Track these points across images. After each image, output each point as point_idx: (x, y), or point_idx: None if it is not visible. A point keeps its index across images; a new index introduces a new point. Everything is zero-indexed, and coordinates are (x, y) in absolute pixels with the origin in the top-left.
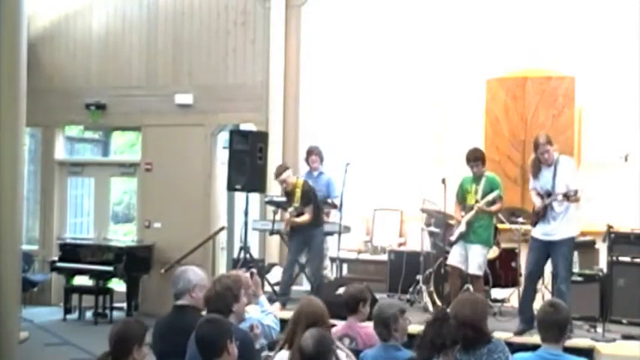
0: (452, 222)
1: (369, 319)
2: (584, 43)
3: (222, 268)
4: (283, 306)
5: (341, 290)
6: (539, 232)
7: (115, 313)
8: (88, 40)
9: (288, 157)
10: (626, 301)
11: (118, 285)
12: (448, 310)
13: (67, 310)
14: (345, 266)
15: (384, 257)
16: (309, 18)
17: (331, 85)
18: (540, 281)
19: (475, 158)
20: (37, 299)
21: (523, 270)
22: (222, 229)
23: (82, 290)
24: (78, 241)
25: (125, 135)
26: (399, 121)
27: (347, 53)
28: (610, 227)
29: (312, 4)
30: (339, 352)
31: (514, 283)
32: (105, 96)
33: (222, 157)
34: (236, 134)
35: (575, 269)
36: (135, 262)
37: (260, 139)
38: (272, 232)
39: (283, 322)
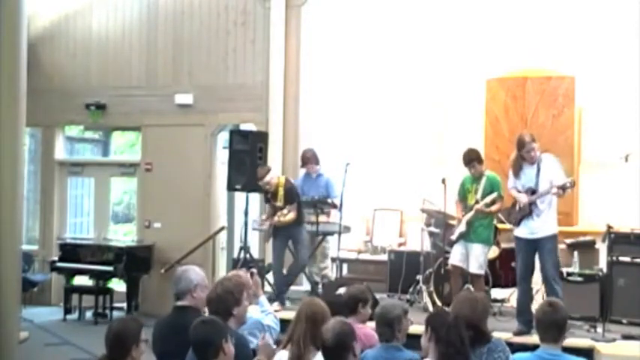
0: (452, 222)
1: (370, 319)
2: (584, 43)
3: (222, 268)
4: (282, 305)
5: (341, 290)
6: (524, 231)
7: (115, 313)
8: (88, 40)
9: (288, 157)
10: (626, 301)
11: (118, 285)
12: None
13: (67, 310)
14: (345, 266)
15: (384, 257)
16: (309, 18)
17: (331, 85)
18: (540, 281)
19: (469, 160)
20: (37, 299)
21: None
22: (222, 229)
23: (82, 290)
24: (78, 241)
25: (125, 135)
26: (399, 121)
27: (347, 53)
28: (610, 227)
29: (312, 4)
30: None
31: (514, 283)
32: (105, 96)
33: (222, 157)
34: (236, 134)
35: (575, 269)
36: (135, 262)
37: (260, 139)
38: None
39: (283, 322)
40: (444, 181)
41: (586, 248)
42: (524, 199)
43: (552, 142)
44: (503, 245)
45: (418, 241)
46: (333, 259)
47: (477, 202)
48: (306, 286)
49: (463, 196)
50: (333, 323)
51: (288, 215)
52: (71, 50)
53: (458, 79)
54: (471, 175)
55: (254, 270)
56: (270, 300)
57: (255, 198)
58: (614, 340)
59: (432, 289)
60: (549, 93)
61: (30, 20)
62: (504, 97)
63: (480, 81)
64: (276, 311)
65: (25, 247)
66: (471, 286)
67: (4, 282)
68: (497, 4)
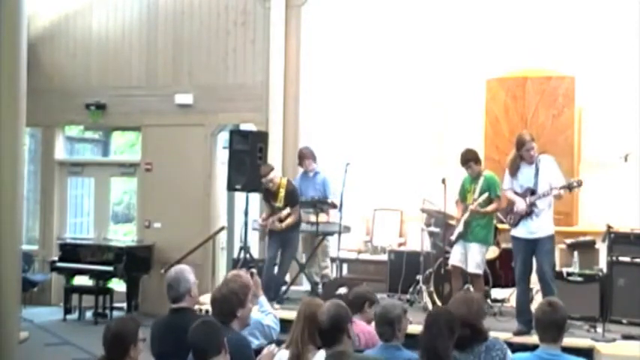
0: (452, 222)
1: None
2: (584, 43)
3: (222, 268)
4: (279, 304)
5: (341, 290)
6: (523, 231)
7: (115, 313)
8: (88, 40)
9: (288, 157)
10: (626, 301)
11: (118, 285)
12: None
13: (67, 310)
14: (345, 266)
15: (384, 257)
16: (309, 18)
17: (331, 85)
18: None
19: (465, 161)
20: (37, 299)
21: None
22: (222, 229)
23: (82, 290)
24: (78, 241)
25: (125, 135)
26: (399, 121)
27: (347, 53)
28: (610, 227)
29: (312, 4)
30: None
31: (514, 283)
32: (105, 96)
33: (222, 157)
34: (236, 134)
35: (575, 269)
36: (135, 262)
37: (260, 139)
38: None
39: (283, 322)
40: (444, 181)
41: (586, 248)
42: (522, 205)
43: (552, 142)
44: (503, 245)
45: (418, 241)
46: (333, 259)
47: (473, 201)
48: (306, 286)
49: (463, 196)
50: (328, 305)
51: (287, 220)
52: (71, 50)
53: (458, 79)
54: (469, 176)
55: (254, 270)
56: (270, 300)
57: (255, 198)
58: (614, 340)
59: (432, 289)
60: (549, 93)
61: (30, 20)
62: (504, 97)
63: (480, 81)
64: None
65: (25, 247)
66: (470, 286)
67: (4, 282)
68: (497, 4)
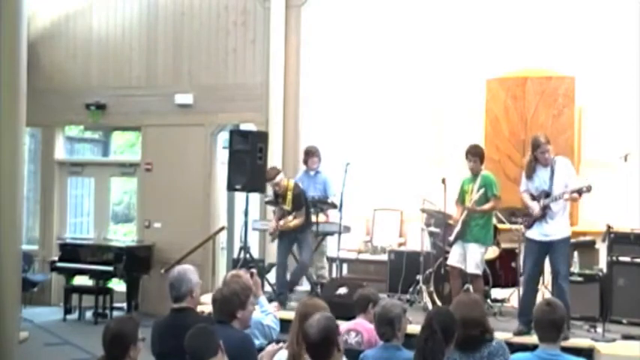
0: (452, 222)
1: None
2: (584, 43)
3: (222, 268)
4: (282, 305)
5: (341, 290)
6: (537, 233)
7: (115, 313)
8: (88, 40)
9: (288, 157)
10: (626, 301)
11: (118, 285)
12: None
13: (67, 310)
14: (345, 266)
15: (384, 257)
16: (309, 18)
17: (331, 85)
18: (540, 281)
19: (474, 153)
20: (37, 299)
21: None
22: (222, 229)
23: (82, 290)
24: (78, 241)
25: (125, 135)
26: (399, 121)
27: (347, 53)
28: (610, 227)
29: (312, 4)
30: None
31: (514, 283)
32: (105, 96)
33: (222, 157)
34: (236, 134)
35: (575, 269)
36: (135, 262)
37: (260, 139)
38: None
39: (283, 322)
40: (443, 181)
41: (586, 248)
42: (536, 208)
43: (552, 142)
44: (503, 245)
45: (418, 241)
46: (333, 259)
47: (471, 201)
48: (306, 286)
49: (462, 199)
50: (318, 319)
51: (294, 221)
52: (71, 50)
53: (458, 79)
54: (468, 177)
55: (254, 270)
56: (270, 300)
57: (255, 198)
58: (614, 340)
59: (432, 289)
60: (549, 93)
61: (30, 20)
62: (504, 97)
63: (480, 81)
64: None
65: (25, 247)
66: (470, 286)
67: (4, 282)
68: (497, 4)
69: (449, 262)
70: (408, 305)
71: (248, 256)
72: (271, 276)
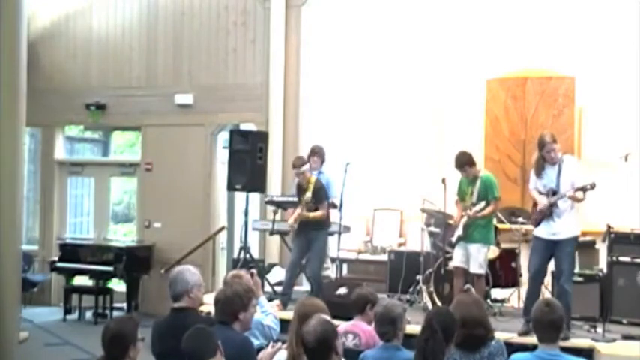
0: (452, 222)
1: None
2: (584, 43)
3: (222, 268)
4: (284, 306)
5: (341, 290)
6: (544, 231)
7: (115, 313)
8: (88, 40)
9: (288, 157)
10: (626, 301)
11: (118, 285)
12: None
13: (67, 310)
14: (345, 266)
15: (384, 257)
16: (309, 18)
17: (331, 85)
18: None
19: (460, 165)
20: (37, 299)
21: (524, 270)
22: (222, 229)
23: (82, 290)
24: (78, 241)
25: (125, 135)
26: (399, 121)
27: (347, 53)
28: (610, 227)
29: (312, 4)
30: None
31: (514, 283)
32: (105, 96)
33: (222, 157)
34: (236, 134)
35: (575, 269)
36: (135, 262)
37: (260, 139)
38: (272, 232)
39: (283, 322)
40: (443, 181)
41: (586, 248)
42: (544, 200)
43: None
44: (503, 245)
45: (418, 241)
46: (333, 259)
47: (472, 204)
48: (306, 286)
49: (461, 197)
50: (314, 324)
51: (314, 213)
52: (71, 50)
53: (458, 79)
54: (467, 177)
55: (254, 270)
56: (270, 300)
57: (255, 198)
58: (614, 340)
59: (432, 289)
60: (549, 93)
61: (30, 20)
62: (504, 97)
63: (480, 81)
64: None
65: (25, 247)
66: (471, 286)
67: (4, 282)
68: (497, 4)
69: (453, 263)
70: (408, 305)
71: (248, 256)
72: (271, 276)
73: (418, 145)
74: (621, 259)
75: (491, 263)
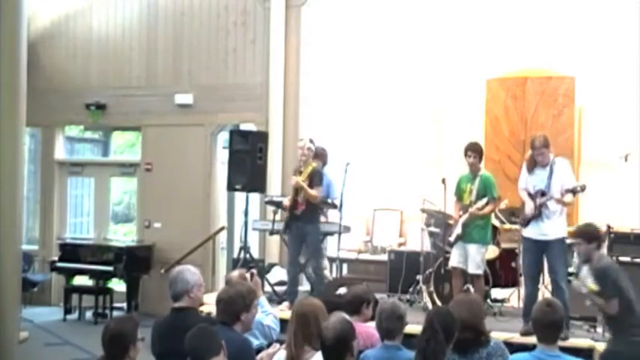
0: (451, 222)
1: (372, 319)
2: (584, 43)
3: (222, 268)
4: (292, 304)
5: (341, 290)
6: (533, 232)
7: (115, 313)
8: (88, 40)
9: (288, 157)
10: None
11: (118, 285)
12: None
13: (67, 310)
14: (345, 266)
15: (384, 257)
16: (309, 18)
17: (331, 85)
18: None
19: (473, 149)
20: (37, 299)
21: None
22: (222, 229)
23: (82, 290)
24: (78, 241)
25: (125, 135)
26: (399, 121)
27: (347, 53)
28: (610, 227)
29: (312, 4)
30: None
31: (514, 283)
32: (105, 96)
33: (222, 157)
34: (236, 134)
35: (575, 269)
36: (135, 262)
37: (260, 139)
38: (272, 232)
39: (284, 322)
40: (443, 181)
41: None
42: (530, 204)
43: (552, 142)
44: (504, 245)
45: (418, 241)
46: (333, 259)
47: (471, 202)
48: (306, 286)
49: (459, 195)
50: (334, 322)
51: (311, 190)
52: (71, 50)
53: (458, 79)
54: (466, 175)
55: (254, 270)
56: (271, 300)
57: (255, 198)
58: None
59: (432, 289)
60: (549, 93)
61: (30, 20)
62: (504, 97)
63: (480, 81)
64: (281, 311)
65: (25, 247)
66: (470, 286)
67: (4, 282)
68: (497, 5)
69: (450, 263)
70: (408, 305)
71: (248, 256)
72: (271, 276)
73: (418, 145)
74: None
75: (491, 263)
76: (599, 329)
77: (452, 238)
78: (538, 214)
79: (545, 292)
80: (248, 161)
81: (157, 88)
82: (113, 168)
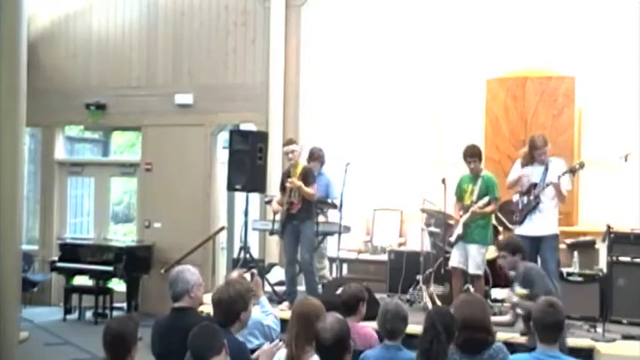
0: (451, 222)
1: (367, 318)
2: (584, 43)
3: (222, 268)
4: (292, 304)
5: (341, 290)
6: (527, 229)
7: (115, 313)
8: (88, 40)
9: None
10: (626, 301)
11: (118, 285)
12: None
13: (67, 310)
14: (345, 266)
15: (384, 257)
16: (309, 18)
17: (331, 85)
18: None
19: (472, 154)
20: (37, 299)
21: None
22: (222, 229)
23: (82, 290)
24: (78, 241)
25: (125, 135)
26: (399, 120)
27: (347, 53)
28: (610, 227)
29: (312, 4)
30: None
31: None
32: (105, 96)
33: (222, 157)
34: (236, 134)
35: (575, 269)
36: (135, 262)
37: (260, 139)
38: (272, 232)
39: (285, 322)
40: (443, 181)
41: (586, 248)
42: (528, 172)
43: (552, 142)
44: None
45: (418, 241)
46: (333, 259)
47: (472, 202)
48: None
49: (460, 196)
50: (331, 322)
51: (306, 188)
52: (71, 50)
53: (458, 79)
54: (468, 175)
55: (254, 270)
56: (271, 300)
57: (255, 198)
58: (614, 340)
59: (431, 289)
60: (549, 93)
61: (30, 20)
62: (504, 97)
63: (480, 81)
64: (282, 311)
65: (25, 247)
66: (471, 287)
67: (4, 282)
68: (497, 5)
69: (450, 263)
70: (409, 305)
71: (248, 256)
72: (271, 276)
73: (418, 145)
74: (621, 259)
75: (491, 263)
76: (599, 329)
77: (452, 238)
78: (534, 206)
79: None
80: (248, 161)
81: (157, 88)
82: (113, 168)
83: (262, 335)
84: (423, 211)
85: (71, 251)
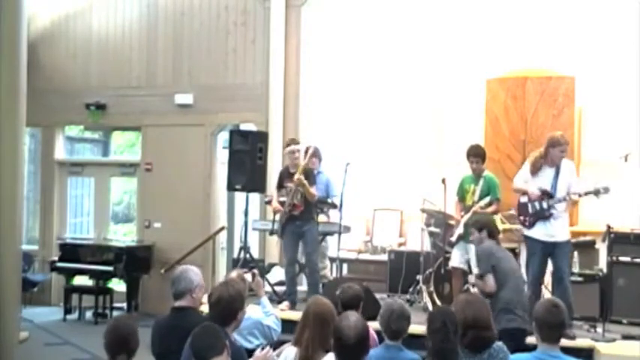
0: (452, 222)
1: (367, 318)
2: (584, 43)
3: (222, 268)
4: (293, 305)
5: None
6: (541, 233)
7: (115, 313)
8: (88, 40)
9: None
10: (626, 301)
11: (118, 285)
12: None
13: (67, 310)
14: (345, 266)
15: (384, 257)
16: (309, 18)
17: (331, 85)
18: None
19: (475, 154)
20: (37, 299)
21: (523, 270)
22: (222, 229)
23: (82, 290)
24: (78, 241)
25: (125, 135)
26: (399, 120)
27: (347, 53)
28: (610, 227)
29: (312, 4)
30: None
31: None
32: (105, 96)
33: (222, 157)
34: (236, 134)
35: (575, 269)
36: (135, 262)
37: (260, 139)
38: (272, 232)
39: (285, 322)
40: (444, 181)
41: (586, 248)
42: (536, 192)
43: None
44: (503, 245)
45: (418, 241)
46: (333, 259)
47: (473, 203)
48: (305, 286)
49: (461, 196)
50: (355, 320)
51: (309, 187)
52: (71, 50)
53: (458, 79)
54: (469, 175)
55: (255, 271)
56: (271, 300)
57: (255, 198)
58: (614, 340)
59: (432, 289)
60: (549, 93)
61: (30, 20)
62: (504, 97)
63: (480, 81)
64: (282, 310)
65: (25, 247)
66: (471, 287)
67: (4, 282)
68: (497, 5)
69: (451, 263)
70: (408, 305)
71: (248, 256)
72: (271, 276)
73: (418, 145)
74: (621, 259)
75: None
76: (599, 329)
77: (453, 238)
78: (548, 216)
79: (545, 292)
80: (248, 161)
81: (157, 88)
82: (113, 168)
83: (262, 335)
84: (423, 211)
85: (71, 251)
